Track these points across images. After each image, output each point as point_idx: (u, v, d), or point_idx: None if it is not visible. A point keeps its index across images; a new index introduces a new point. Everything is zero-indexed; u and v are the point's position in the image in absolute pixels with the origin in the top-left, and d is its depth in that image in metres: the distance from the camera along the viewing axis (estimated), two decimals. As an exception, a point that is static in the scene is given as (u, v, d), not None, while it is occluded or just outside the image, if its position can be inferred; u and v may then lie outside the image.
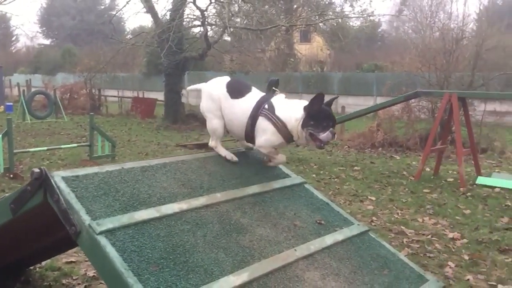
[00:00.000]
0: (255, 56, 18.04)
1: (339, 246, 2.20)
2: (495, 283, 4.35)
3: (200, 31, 17.36)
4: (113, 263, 1.72)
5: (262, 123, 2.41)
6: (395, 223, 5.91)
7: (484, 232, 5.70)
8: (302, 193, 2.67)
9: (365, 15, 17.97)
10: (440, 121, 9.29)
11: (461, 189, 7.68)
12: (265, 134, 2.40)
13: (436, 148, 8.91)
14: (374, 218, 6.14)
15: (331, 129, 2.33)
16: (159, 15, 17.26)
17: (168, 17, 16.70)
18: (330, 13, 18.75)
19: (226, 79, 2.68)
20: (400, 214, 6.37)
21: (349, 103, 19.84)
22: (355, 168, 9.42)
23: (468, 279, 4.40)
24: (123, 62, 26.53)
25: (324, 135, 2.33)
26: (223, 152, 2.63)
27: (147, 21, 54.91)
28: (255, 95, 2.53)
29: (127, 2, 31.26)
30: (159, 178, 2.38)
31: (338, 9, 20.28)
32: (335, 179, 8.40)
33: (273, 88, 2.54)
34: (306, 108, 2.33)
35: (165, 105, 18.11)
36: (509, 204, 6.87)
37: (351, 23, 24.24)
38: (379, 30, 38.57)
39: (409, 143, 11.78)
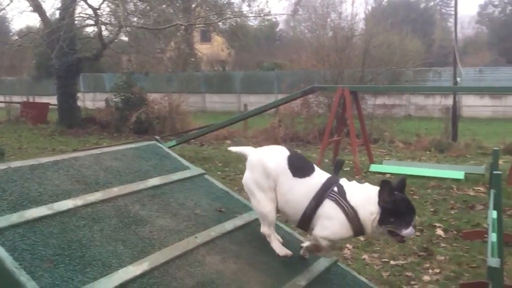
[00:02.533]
0: (154, 56, 17.69)
1: (239, 231, 2.27)
2: (387, 260, 4.72)
3: (93, 30, 16.67)
4: (3, 262, 1.64)
5: (329, 209, 1.94)
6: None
7: (377, 214, 6.13)
8: (202, 184, 2.69)
9: (262, 15, 18.41)
10: (336, 115, 9.82)
11: (357, 176, 8.19)
12: (332, 223, 1.93)
13: (332, 140, 9.40)
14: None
15: (412, 222, 1.94)
16: (48, 14, 16.28)
17: (57, 16, 15.81)
18: (229, 12, 18.94)
19: (284, 151, 2.10)
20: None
21: (251, 101, 20.24)
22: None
23: (364, 258, 4.73)
24: (10, 65, 24.63)
25: (407, 232, 1.92)
26: (277, 246, 2.05)
27: (34, 20, 51.21)
28: (321, 174, 2.06)
29: (11, 1, 28.99)
30: (51, 176, 2.28)
31: (236, 9, 20.55)
32: (240, 175, 8.54)
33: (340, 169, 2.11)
34: (381, 203, 1.92)
35: (59, 110, 17.11)
36: (398, 187, 7.46)
37: (249, 23, 24.72)
38: (277, 29, 39.76)
39: (309, 137, 12.31)
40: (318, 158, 9.00)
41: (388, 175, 8.22)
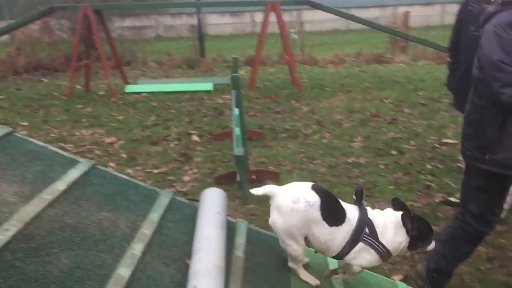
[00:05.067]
0: None
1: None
2: (150, 170, 4.95)
3: None
4: None
5: (365, 252, 1.93)
6: (53, 141, 5.79)
7: (137, 131, 6.26)
8: None
9: None
10: (82, 38, 9.25)
11: (112, 99, 8.08)
12: (366, 259, 1.94)
13: (81, 64, 8.93)
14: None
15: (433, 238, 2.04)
16: None
17: None
18: None
19: (314, 196, 1.87)
20: (57, 133, 6.28)
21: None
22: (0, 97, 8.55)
23: (129, 172, 4.85)
24: None
25: (431, 247, 2.03)
26: (308, 278, 1.98)
27: None
28: (351, 216, 1.92)
29: None
30: None
31: None
32: None
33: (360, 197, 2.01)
34: (409, 233, 1.94)
35: None
36: (155, 104, 7.69)
37: None
38: None
39: (55, 64, 11.38)
40: (68, 84, 8.49)
41: (144, 94, 8.35)
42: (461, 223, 2.70)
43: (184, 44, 13.89)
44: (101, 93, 8.72)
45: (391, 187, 4.41)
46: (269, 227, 1.91)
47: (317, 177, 4.66)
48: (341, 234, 1.89)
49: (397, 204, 2.00)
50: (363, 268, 1.96)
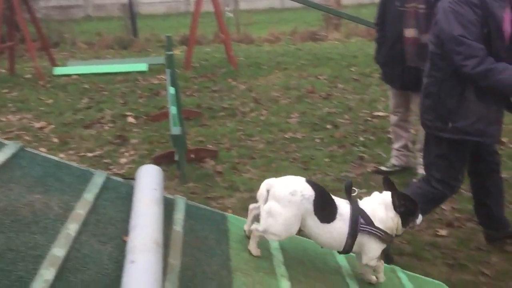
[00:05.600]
0: None
1: None
2: (84, 153, 4.81)
3: None
4: None
5: (367, 241, 2.01)
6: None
7: (68, 115, 6.03)
8: None
9: None
10: (4, 18, 8.68)
11: (40, 82, 7.70)
12: (372, 249, 2.02)
13: (4, 47, 8.42)
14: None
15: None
16: None
17: None
18: None
19: (305, 189, 1.91)
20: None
21: None
22: None
23: (62, 157, 4.67)
24: None
25: (419, 220, 2.11)
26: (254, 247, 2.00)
27: None
28: (343, 211, 1.99)
29: None
30: None
31: None
32: None
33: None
34: (398, 211, 2.01)
35: None
36: (87, 86, 7.41)
37: None
38: None
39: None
40: (-8, 68, 7.99)
41: (75, 77, 8.02)
42: (428, 186, 2.88)
43: (115, 24, 13.42)
44: (28, 76, 8.28)
45: (327, 159, 4.56)
46: (208, 204, 1.94)
47: (256, 153, 4.73)
48: (335, 229, 1.97)
49: (386, 183, 2.10)
50: (377, 258, 2.05)
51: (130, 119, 5.78)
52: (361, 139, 5.05)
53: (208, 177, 4.16)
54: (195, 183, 4.03)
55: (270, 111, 6.06)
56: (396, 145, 4.26)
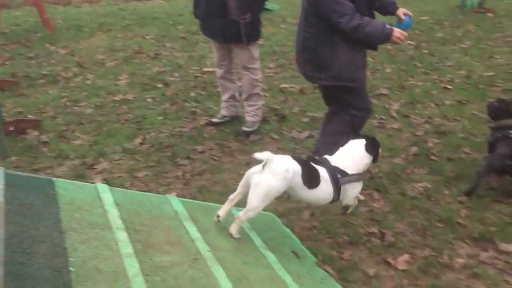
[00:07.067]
0: None
1: None
2: None
3: None
4: None
5: (349, 189, 2.53)
6: None
7: None
8: None
9: None
10: None
11: None
12: (352, 192, 2.57)
13: None
14: None
15: None
16: None
17: None
18: None
19: (294, 165, 2.31)
20: None
21: None
22: None
23: None
24: None
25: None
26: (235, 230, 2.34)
27: None
28: (324, 173, 2.45)
29: None
30: None
31: None
32: None
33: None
34: (371, 152, 2.59)
35: None
36: None
37: None
38: None
39: None
40: None
41: None
42: (346, 115, 3.19)
43: None
44: None
45: (160, 117, 4.57)
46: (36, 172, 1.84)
47: (84, 118, 4.52)
48: (321, 191, 2.41)
49: (353, 134, 2.74)
50: (356, 195, 2.60)
51: None
52: (192, 94, 5.15)
53: (32, 149, 3.87)
54: (18, 156, 3.72)
55: (96, 75, 5.79)
56: (224, 97, 4.44)
